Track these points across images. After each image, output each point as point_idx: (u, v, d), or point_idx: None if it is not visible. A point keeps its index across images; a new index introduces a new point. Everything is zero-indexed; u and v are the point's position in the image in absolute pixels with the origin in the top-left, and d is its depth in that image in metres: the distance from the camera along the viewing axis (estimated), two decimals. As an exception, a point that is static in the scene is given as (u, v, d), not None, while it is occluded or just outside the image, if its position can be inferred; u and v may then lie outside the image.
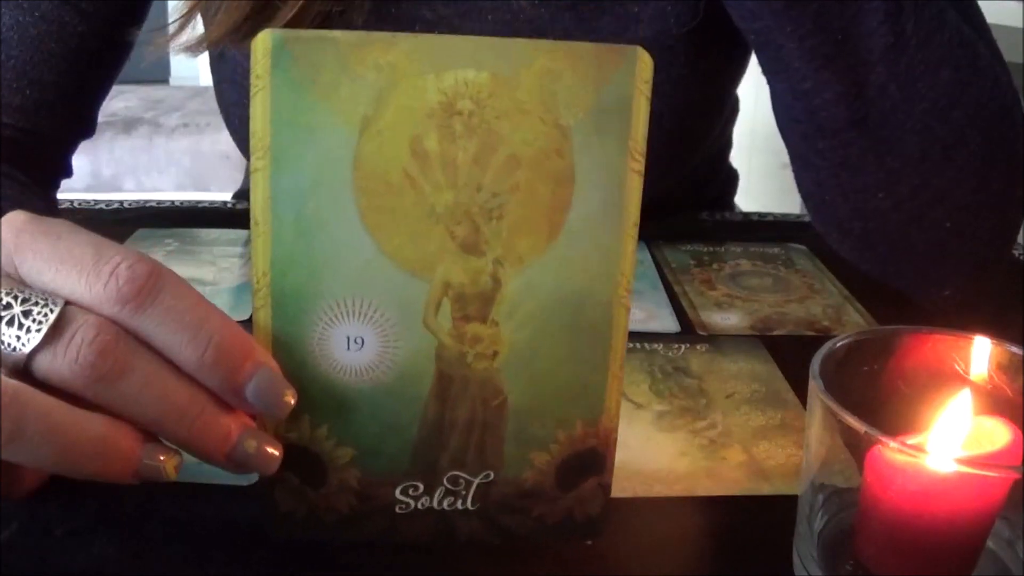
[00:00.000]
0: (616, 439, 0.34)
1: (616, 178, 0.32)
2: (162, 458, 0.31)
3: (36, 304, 0.30)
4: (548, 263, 0.32)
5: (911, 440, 0.32)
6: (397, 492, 0.34)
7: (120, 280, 0.30)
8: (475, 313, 0.32)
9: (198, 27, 0.57)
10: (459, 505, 0.34)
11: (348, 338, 0.32)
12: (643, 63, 0.31)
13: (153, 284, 0.30)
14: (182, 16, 0.56)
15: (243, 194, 0.88)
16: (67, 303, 0.30)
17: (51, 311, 0.29)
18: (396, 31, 0.35)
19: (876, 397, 0.34)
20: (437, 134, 0.31)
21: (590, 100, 0.31)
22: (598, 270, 0.32)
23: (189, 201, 0.75)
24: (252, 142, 0.31)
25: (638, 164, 0.32)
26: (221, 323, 0.31)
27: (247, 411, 0.32)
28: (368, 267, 0.31)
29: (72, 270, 0.30)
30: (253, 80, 0.30)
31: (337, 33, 0.30)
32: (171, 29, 0.56)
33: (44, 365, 0.29)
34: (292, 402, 0.31)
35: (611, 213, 0.32)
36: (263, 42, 0.30)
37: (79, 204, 0.72)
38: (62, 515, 0.36)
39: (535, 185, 0.31)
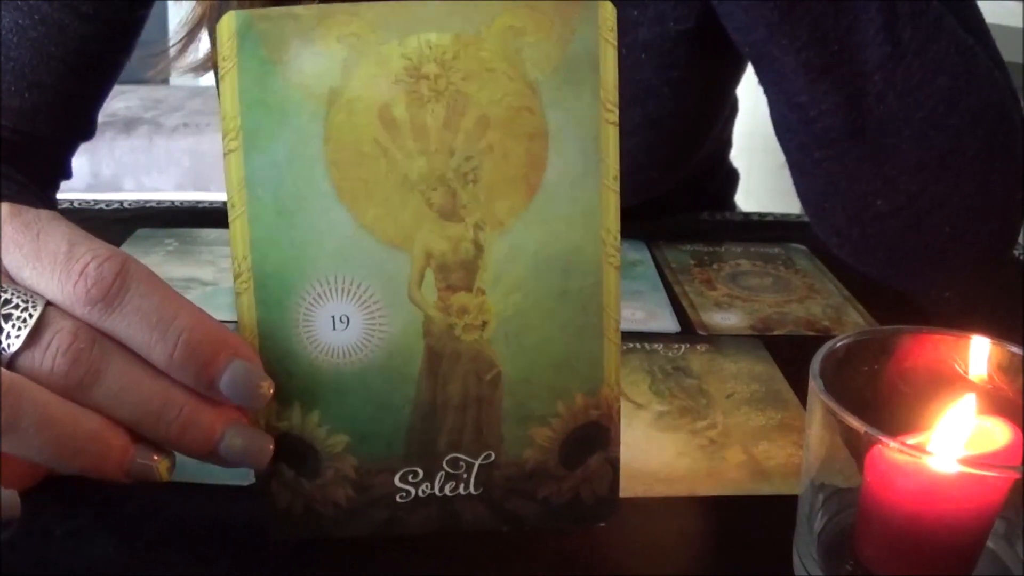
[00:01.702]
0: (620, 411, 0.34)
1: (591, 131, 0.32)
2: (156, 458, 0.31)
3: (16, 307, 0.30)
4: (530, 224, 0.32)
5: (911, 440, 0.32)
6: (396, 480, 0.33)
7: (88, 281, 0.30)
8: (460, 282, 0.32)
9: (201, 48, 0.57)
10: (461, 490, 0.34)
11: (333, 318, 0.32)
12: (606, 12, 0.31)
13: (120, 285, 0.30)
14: (183, 38, 0.56)
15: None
16: (48, 303, 0.30)
17: (30, 316, 0.30)
18: None
19: (876, 397, 0.34)
20: (405, 100, 0.31)
21: (556, 53, 0.31)
22: (582, 228, 0.32)
23: (189, 201, 0.75)
24: (223, 124, 0.31)
25: (612, 115, 0.32)
26: (190, 319, 0.30)
27: (229, 404, 0.31)
28: (348, 242, 0.31)
29: (47, 268, 0.30)
30: (220, 63, 0.30)
31: (299, 9, 0.30)
32: (172, 52, 0.56)
33: (25, 367, 0.30)
34: (269, 392, 0.31)
35: (590, 167, 0.32)
36: (228, 24, 0.30)
37: (79, 204, 0.72)
38: (62, 515, 0.36)
39: (508, 144, 0.31)
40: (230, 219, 0.31)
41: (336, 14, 0.30)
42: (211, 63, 0.56)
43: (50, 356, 0.29)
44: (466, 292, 0.32)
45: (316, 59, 0.30)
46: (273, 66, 0.30)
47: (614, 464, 0.34)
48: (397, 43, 0.30)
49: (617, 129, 0.32)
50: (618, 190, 0.32)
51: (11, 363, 0.30)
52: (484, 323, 0.32)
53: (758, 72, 0.52)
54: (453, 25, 0.31)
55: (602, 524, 0.35)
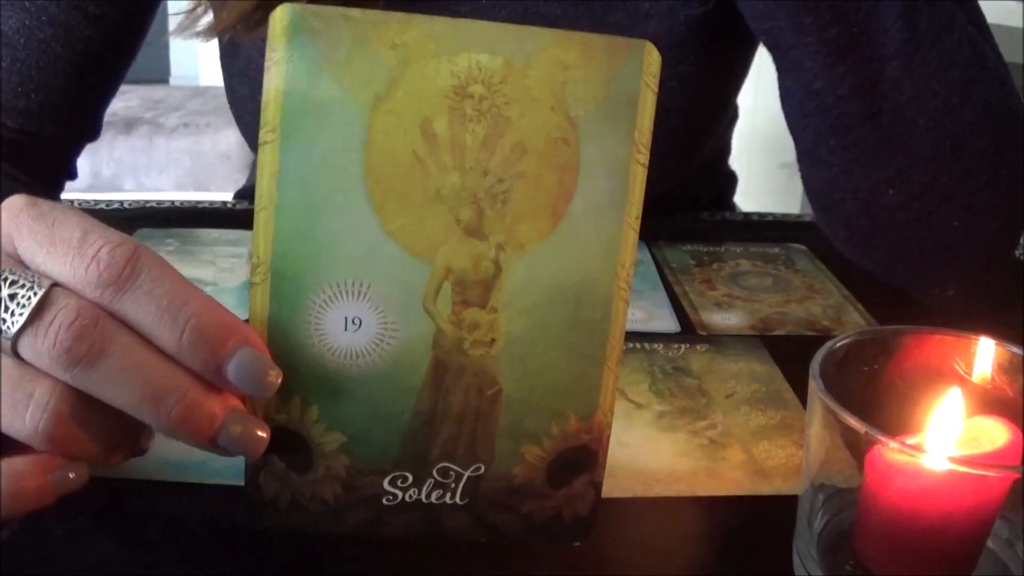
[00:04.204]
0: (609, 437, 0.34)
1: (621, 169, 0.32)
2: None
3: (22, 287, 0.30)
4: (549, 251, 0.32)
5: (911, 440, 0.32)
6: (385, 483, 0.33)
7: (101, 264, 0.30)
8: (475, 299, 0.32)
9: (209, 15, 0.57)
10: (447, 499, 0.34)
11: (346, 319, 0.32)
12: (651, 57, 0.32)
13: (132, 268, 0.30)
14: (191, 9, 0.56)
15: (243, 194, 0.88)
16: (55, 285, 0.30)
17: (35, 294, 0.30)
18: None
19: (876, 397, 0.34)
20: (448, 116, 0.31)
21: (599, 91, 0.31)
22: (599, 260, 0.32)
23: (189, 201, 0.75)
24: (263, 116, 0.31)
25: (643, 156, 0.32)
26: (201, 305, 0.30)
27: (234, 392, 0.31)
28: (371, 248, 0.31)
29: (60, 252, 0.30)
30: (268, 54, 0.30)
31: (355, 11, 0.30)
32: (177, 22, 0.56)
33: (27, 348, 0.30)
34: (277, 381, 0.31)
35: (614, 204, 0.32)
36: (280, 16, 0.30)
37: (79, 204, 0.72)
38: (62, 515, 0.36)
39: (541, 172, 0.32)
40: (256, 210, 0.31)
41: (391, 21, 0.30)
42: (216, 30, 0.56)
43: (52, 332, 0.29)
44: (479, 308, 0.32)
45: (365, 63, 0.30)
46: (321, 64, 0.30)
47: (597, 487, 0.35)
48: (448, 59, 0.31)
49: (645, 171, 0.32)
50: (638, 228, 0.33)
51: (16, 342, 0.30)
52: (492, 340, 0.33)
53: (775, 59, 0.52)
54: (505, 49, 0.31)
55: (577, 544, 0.35)
